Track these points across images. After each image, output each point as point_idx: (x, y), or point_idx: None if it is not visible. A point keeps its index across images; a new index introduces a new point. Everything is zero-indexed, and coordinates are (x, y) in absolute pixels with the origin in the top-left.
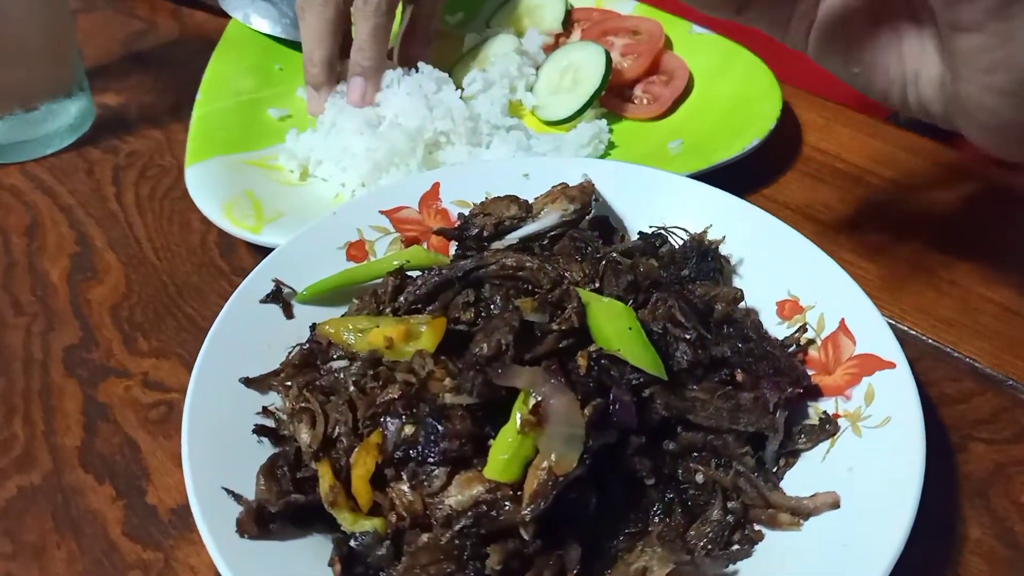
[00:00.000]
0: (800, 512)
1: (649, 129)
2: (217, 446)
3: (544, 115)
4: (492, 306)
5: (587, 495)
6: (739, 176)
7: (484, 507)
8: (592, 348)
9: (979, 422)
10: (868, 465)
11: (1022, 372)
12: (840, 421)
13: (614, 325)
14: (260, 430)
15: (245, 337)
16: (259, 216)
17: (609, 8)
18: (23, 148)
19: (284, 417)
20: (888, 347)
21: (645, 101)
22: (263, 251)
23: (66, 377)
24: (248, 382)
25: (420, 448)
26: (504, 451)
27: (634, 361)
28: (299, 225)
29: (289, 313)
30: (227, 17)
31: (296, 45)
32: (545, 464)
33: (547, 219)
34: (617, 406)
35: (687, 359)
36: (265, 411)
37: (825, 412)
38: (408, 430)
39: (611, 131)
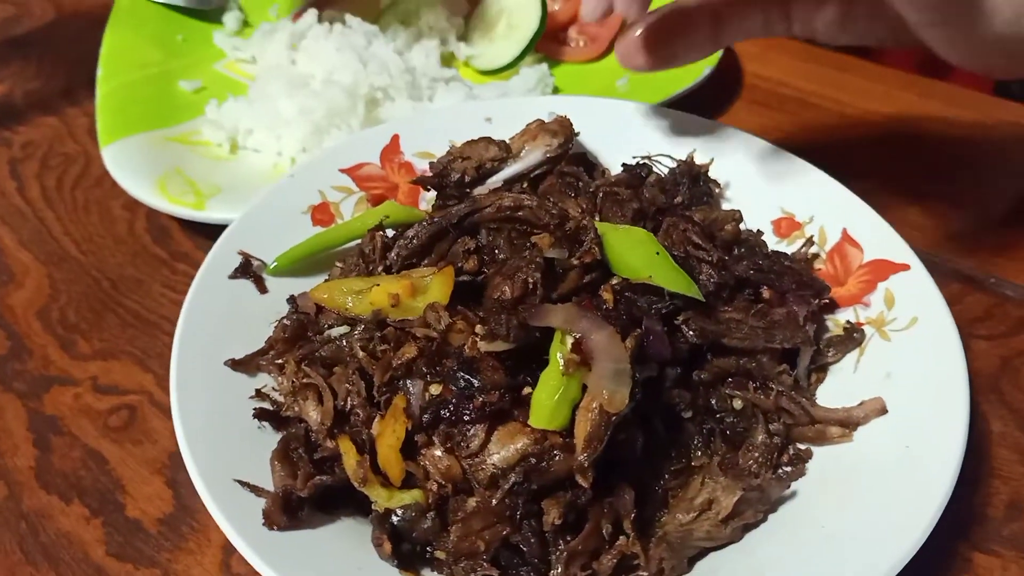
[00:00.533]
0: (850, 423)
1: (591, 71)
2: (216, 438)
3: (481, 64)
4: (496, 250)
5: (634, 435)
6: (689, 109)
7: (533, 460)
8: (614, 281)
9: (975, 320)
10: (905, 367)
11: (1001, 268)
12: (865, 329)
13: (638, 252)
14: (260, 414)
15: (219, 318)
16: (198, 192)
17: None
18: None
19: (282, 398)
20: (898, 249)
21: (582, 43)
22: (203, 232)
23: (2, 392)
24: (235, 364)
25: (452, 407)
26: (550, 396)
27: (669, 286)
28: (243, 199)
29: (262, 287)
30: None
31: (194, 12)
32: (595, 404)
33: (531, 157)
34: (651, 337)
35: (713, 281)
36: (259, 394)
37: (848, 322)
38: (435, 389)
39: (553, 76)
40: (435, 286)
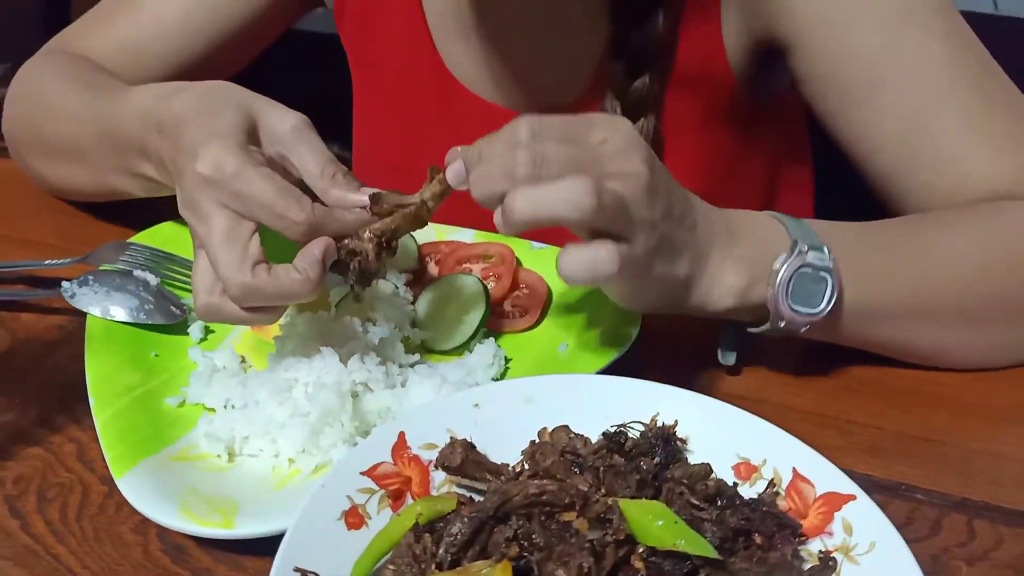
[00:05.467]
0: None
1: (531, 339)
2: None
3: (439, 345)
4: (533, 536)
5: None
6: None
7: None
8: (640, 550)
9: (901, 525)
10: None
11: (906, 475)
12: (835, 555)
13: (659, 523)
14: None
15: None
16: (221, 511)
17: (452, 239)
18: None
19: None
20: (841, 482)
21: (517, 314)
22: (220, 545)
23: None
24: None
25: None
26: None
27: (693, 550)
28: (264, 511)
29: None
30: (59, 313)
31: (161, 328)
32: None
33: None
34: None
35: (717, 537)
36: None
37: (821, 551)
38: None
39: (502, 347)
40: None
